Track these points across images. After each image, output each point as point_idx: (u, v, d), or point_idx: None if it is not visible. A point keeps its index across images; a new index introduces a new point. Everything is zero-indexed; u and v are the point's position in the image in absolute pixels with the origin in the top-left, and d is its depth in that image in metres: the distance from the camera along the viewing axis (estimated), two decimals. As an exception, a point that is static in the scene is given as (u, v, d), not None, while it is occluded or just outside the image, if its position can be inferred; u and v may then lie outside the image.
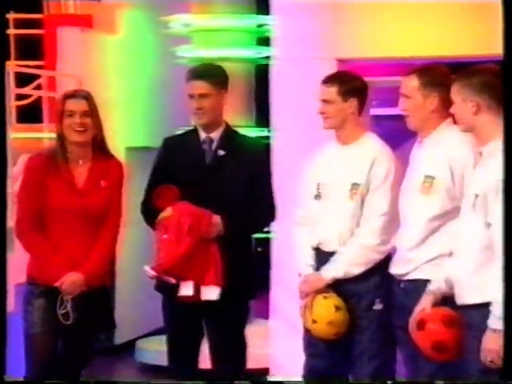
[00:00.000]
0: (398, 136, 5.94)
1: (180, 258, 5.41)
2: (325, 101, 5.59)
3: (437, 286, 4.84)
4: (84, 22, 9.08)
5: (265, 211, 5.83)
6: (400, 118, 5.69)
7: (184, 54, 9.09)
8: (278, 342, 7.54)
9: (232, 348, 5.82)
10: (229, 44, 9.16)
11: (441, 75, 5.26)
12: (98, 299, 5.53)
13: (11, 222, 5.54)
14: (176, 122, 8.93)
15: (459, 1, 7.24)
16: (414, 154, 5.39)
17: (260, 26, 9.15)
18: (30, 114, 9.11)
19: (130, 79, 9.43)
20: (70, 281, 5.31)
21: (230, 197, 5.63)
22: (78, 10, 9.30)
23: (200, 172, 5.68)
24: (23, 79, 8.77)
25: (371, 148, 5.57)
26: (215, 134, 5.74)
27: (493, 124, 4.66)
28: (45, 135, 8.40)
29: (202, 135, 5.75)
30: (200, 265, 5.44)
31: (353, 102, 5.55)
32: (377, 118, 8.15)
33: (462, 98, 4.69)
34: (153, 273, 5.45)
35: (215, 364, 5.83)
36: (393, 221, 5.48)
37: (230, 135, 5.82)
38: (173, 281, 5.43)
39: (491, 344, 4.37)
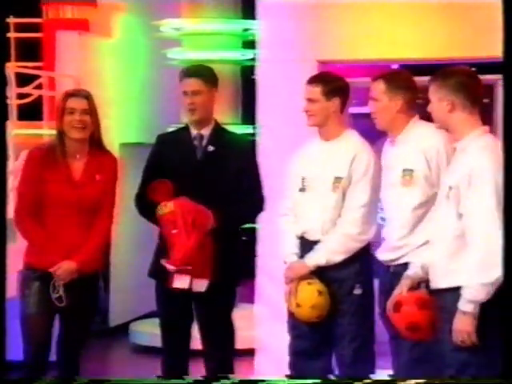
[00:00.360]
0: (374, 133, 5.94)
1: (192, 251, 5.41)
2: (309, 100, 5.60)
3: (414, 271, 4.87)
4: (81, 25, 9.08)
5: (253, 204, 5.80)
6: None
7: (175, 56, 9.11)
8: (263, 324, 7.55)
9: (221, 332, 5.83)
10: (216, 47, 9.18)
11: (405, 79, 5.39)
12: (89, 285, 5.56)
13: (12, 213, 5.53)
14: (167, 120, 8.99)
15: (435, 4, 7.26)
16: (386, 152, 5.47)
17: (245, 30, 9.18)
18: (31, 112, 9.05)
19: (124, 79, 9.44)
20: (64, 268, 5.33)
21: (220, 190, 5.59)
22: (76, 14, 9.27)
23: (191, 167, 5.66)
24: (24, 79, 8.73)
25: (352, 144, 5.59)
26: (205, 131, 5.70)
27: (466, 121, 4.71)
28: (44, 132, 8.36)
29: (193, 132, 5.71)
30: (198, 258, 5.44)
31: (335, 101, 5.56)
32: (355, 115, 8.16)
33: (438, 98, 4.71)
34: (173, 267, 5.44)
35: (205, 346, 5.83)
36: (372, 212, 5.54)
37: (219, 132, 5.78)
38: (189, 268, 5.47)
39: (461, 325, 4.43)
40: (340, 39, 7.35)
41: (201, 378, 5.35)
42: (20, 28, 9.80)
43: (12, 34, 9.67)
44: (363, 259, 5.52)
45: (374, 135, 6.19)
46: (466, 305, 4.40)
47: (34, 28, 9.78)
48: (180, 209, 5.43)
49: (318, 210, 5.51)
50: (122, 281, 9.18)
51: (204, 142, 5.71)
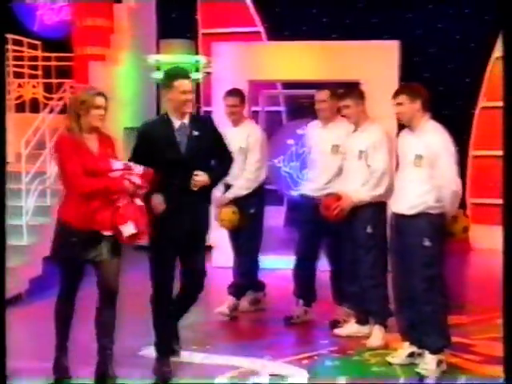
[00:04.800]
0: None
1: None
2: (234, 105, 5.42)
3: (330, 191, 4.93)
4: (100, 58, 8.83)
5: (228, 163, 4.46)
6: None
7: (156, 76, 8.91)
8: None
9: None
10: (180, 71, 9.03)
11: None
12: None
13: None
14: (150, 112, 8.85)
15: (318, 48, 7.31)
16: (312, 133, 5.32)
17: (197, 61, 9.05)
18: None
19: (128, 89, 9.19)
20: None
21: (207, 160, 4.27)
22: (95, 51, 8.98)
23: (182, 149, 4.13)
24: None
25: (249, 127, 5.46)
26: (186, 120, 4.17)
27: (366, 116, 4.80)
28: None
29: (177, 122, 4.14)
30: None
31: (245, 105, 5.53)
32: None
33: (356, 103, 4.76)
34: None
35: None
36: (263, 165, 5.47)
37: (195, 119, 4.27)
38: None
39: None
40: (262, 67, 7.32)
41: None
42: (59, 59, 9.48)
43: (53, 63, 9.37)
44: (259, 194, 5.44)
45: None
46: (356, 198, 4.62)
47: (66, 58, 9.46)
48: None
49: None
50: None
51: (188, 128, 4.16)
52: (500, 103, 9.34)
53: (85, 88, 4.14)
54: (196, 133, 4.14)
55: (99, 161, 3.91)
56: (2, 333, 3.47)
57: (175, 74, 4.18)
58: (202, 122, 4.30)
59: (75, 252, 3.88)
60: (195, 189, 4.07)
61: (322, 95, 5.16)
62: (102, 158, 3.93)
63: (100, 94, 4.00)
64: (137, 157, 4.06)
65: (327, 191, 5.06)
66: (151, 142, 4.10)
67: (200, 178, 4.08)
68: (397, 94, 4.25)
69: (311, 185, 5.25)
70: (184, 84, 4.11)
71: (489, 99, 9.02)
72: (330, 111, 5.14)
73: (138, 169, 3.88)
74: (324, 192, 5.06)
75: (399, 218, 4.25)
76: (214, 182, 4.22)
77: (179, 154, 4.08)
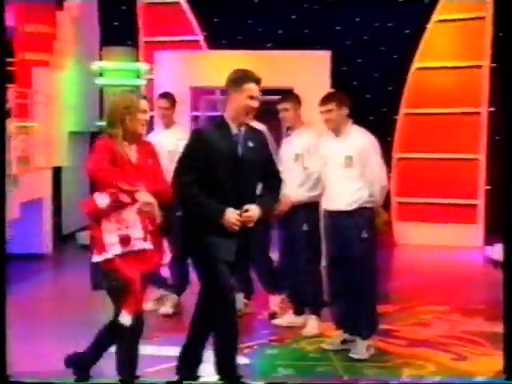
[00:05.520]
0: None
1: None
2: (166, 108, 5.31)
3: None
4: (43, 64, 8.60)
5: (279, 187, 3.90)
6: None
7: (99, 82, 8.86)
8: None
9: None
10: (121, 77, 9.00)
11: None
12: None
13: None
14: (93, 116, 8.76)
15: (261, 54, 7.42)
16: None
17: (138, 68, 9.04)
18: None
19: (72, 94, 9.06)
20: None
21: (256, 176, 3.72)
22: (38, 57, 8.76)
23: (234, 160, 3.59)
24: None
25: (178, 131, 5.32)
26: (242, 128, 3.65)
27: (301, 120, 4.90)
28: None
29: (234, 130, 3.63)
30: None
31: (175, 109, 5.39)
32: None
33: (294, 107, 4.88)
34: None
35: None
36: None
37: (250, 128, 3.72)
38: None
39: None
40: (202, 75, 7.40)
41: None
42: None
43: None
44: None
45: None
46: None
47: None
48: None
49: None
50: (71, 201, 8.71)
51: (243, 137, 3.64)
52: (420, 110, 9.78)
53: (124, 92, 3.67)
54: (251, 144, 3.63)
55: (135, 171, 3.46)
56: (2, 332, 3.23)
57: (245, 76, 3.60)
58: (257, 135, 3.73)
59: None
60: (251, 225, 3.55)
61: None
62: (140, 168, 3.50)
63: (144, 97, 3.60)
64: (191, 160, 3.54)
65: None
66: (208, 145, 3.53)
67: (252, 213, 3.53)
68: (325, 101, 4.38)
69: None
70: (253, 89, 3.56)
71: (410, 106, 9.40)
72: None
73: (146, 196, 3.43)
74: None
75: (336, 214, 4.39)
76: (265, 214, 3.63)
77: (237, 156, 3.56)
